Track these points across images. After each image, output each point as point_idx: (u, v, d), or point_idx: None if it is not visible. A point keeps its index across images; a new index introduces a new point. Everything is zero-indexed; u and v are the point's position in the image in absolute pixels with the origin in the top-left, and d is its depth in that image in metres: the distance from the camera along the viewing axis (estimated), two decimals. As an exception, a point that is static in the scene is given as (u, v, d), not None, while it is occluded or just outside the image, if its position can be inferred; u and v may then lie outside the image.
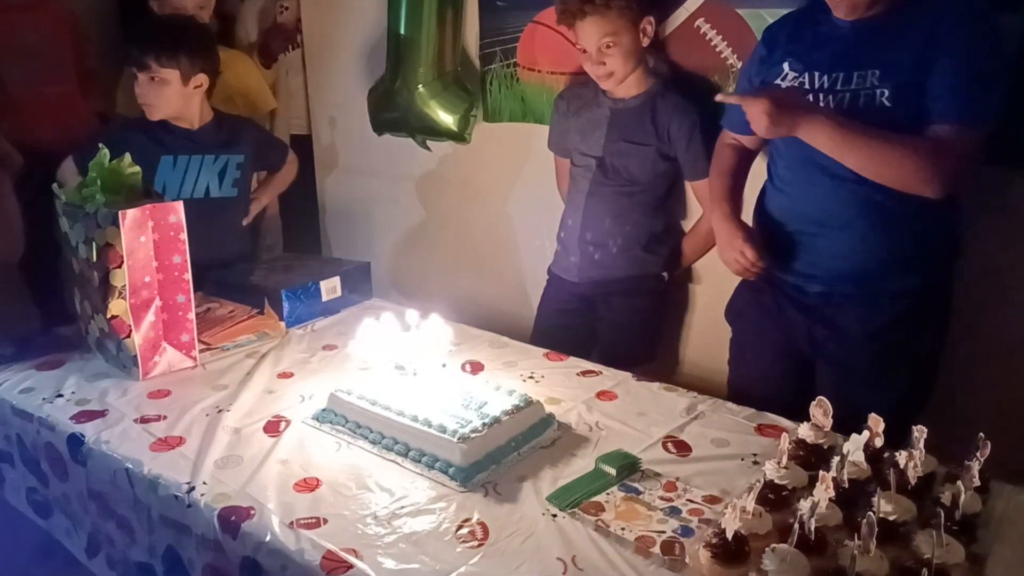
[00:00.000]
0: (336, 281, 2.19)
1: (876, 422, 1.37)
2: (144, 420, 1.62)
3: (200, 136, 2.36)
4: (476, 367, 1.84)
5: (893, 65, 1.54)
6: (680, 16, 2.17)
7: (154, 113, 2.29)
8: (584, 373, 1.82)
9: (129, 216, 1.69)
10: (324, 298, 2.16)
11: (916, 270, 1.66)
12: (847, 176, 1.58)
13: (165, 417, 1.63)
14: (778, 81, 1.68)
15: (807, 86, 1.63)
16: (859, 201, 1.61)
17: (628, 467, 1.42)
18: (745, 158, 1.89)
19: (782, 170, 1.75)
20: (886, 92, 1.54)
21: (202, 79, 2.29)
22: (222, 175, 2.37)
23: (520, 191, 2.65)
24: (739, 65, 2.04)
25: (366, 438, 1.52)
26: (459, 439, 1.41)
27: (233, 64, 2.67)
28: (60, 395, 1.72)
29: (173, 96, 2.27)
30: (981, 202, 1.76)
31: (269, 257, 2.70)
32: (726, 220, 1.78)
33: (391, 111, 2.61)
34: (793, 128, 1.54)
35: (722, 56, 2.12)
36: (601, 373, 1.82)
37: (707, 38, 2.15)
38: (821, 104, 1.60)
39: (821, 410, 1.41)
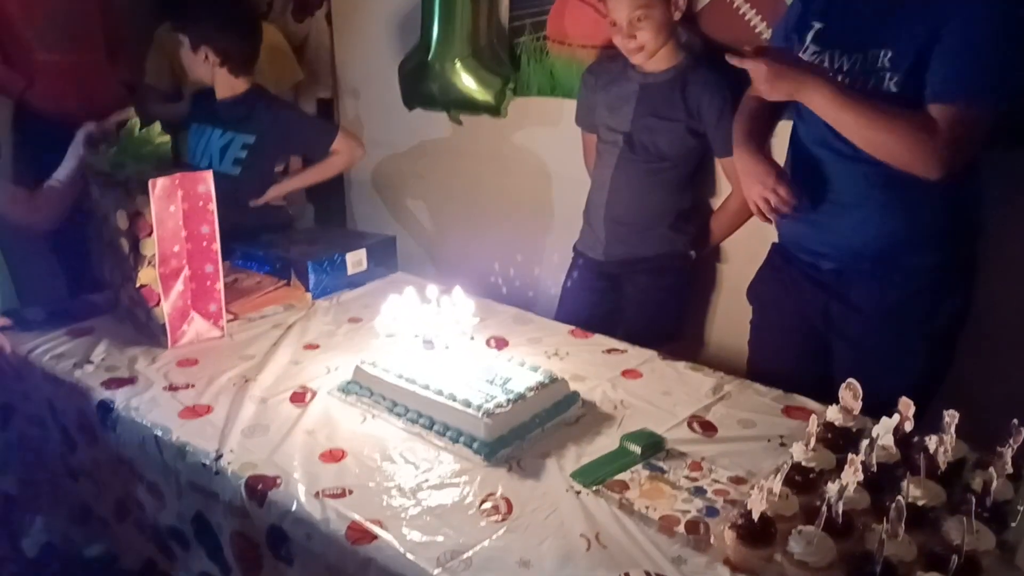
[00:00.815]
0: (362, 254, 2.19)
1: (907, 406, 1.35)
2: (172, 388, 1.64)
3: (219, 109, 2.38)
4: (501, 343, 1.84)
5: (903, 44, 1.50)
6: (713, -12, 2.13)
7: (186, 76, 2.40)
8: (609, 351, 1.81)
9: (159, 185, 1.70)
10: (350, 271, 2.17)
11: (931, 248, 1.63)
12: (857, 156, 1.56)
13: (193, 385, 1.64)
14: (799, 55, 1.65)
15: (826, 64, 1.60)
16: (870, 180, 1.58)
17: (653, 446, 1.42)
18: (770, 107, 1.79)
19: (798, 148, 1.73)
20: (895, 77, 1.51)
21: (206, 52, 2.28)
22: (223, 151, 2.36)
23: (547, 166, 2.63)
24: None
25: (391, 411, 1.52)
26: (484, 414, 1.41)
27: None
28: (90, 362, 1.74)
29: (188, 61, 2.33)
30: (1014, 184, 1.72)
31: (295, 228, 2.70)
32: (754, 156, 1.69)
33: (425, 85, 2.57)
34: (795, 91, 1.52)
35: (756, 30, 2.08)
36: (626, 351, 1.81)
37: (740, 11, 2.11)
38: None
39: (851, 393, 1.39)
